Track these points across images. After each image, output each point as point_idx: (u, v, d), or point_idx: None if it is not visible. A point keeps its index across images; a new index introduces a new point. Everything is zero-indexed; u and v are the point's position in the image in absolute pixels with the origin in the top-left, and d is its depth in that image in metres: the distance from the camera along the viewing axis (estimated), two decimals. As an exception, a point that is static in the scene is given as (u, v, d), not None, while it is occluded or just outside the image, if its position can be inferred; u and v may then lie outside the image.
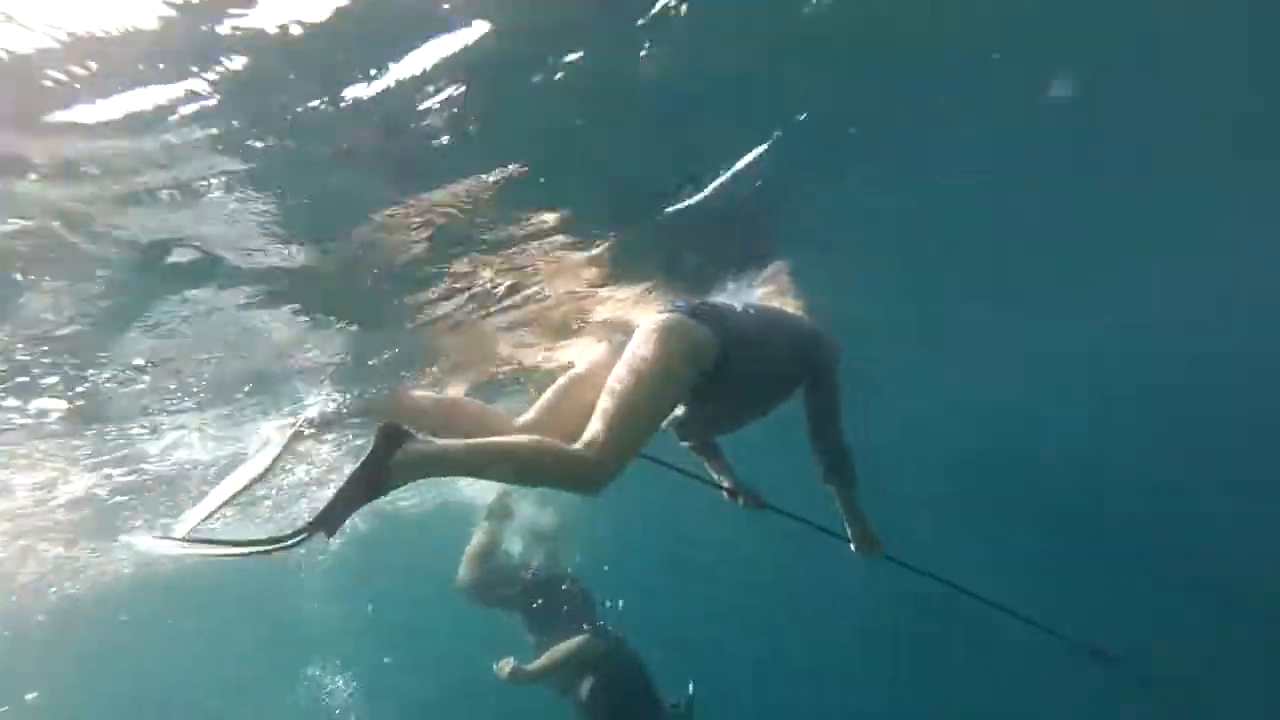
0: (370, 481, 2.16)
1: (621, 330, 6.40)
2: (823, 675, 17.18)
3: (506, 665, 6.11)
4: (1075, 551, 18.11)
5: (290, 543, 2.09)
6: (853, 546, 3.74)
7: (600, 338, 6.63)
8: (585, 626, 6.54)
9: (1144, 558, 16.40)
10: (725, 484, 4.02)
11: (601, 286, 5.64)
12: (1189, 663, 12.28)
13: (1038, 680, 12.78)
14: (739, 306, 3.34)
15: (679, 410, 3.25)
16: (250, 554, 2.10)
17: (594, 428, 2.63)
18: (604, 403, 2.70)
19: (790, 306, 6.35)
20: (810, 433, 3.45)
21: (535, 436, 2.57)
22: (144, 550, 9.90)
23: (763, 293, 6.68)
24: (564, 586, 7.18)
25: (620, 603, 7.85)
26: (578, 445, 2.58)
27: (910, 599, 11.47)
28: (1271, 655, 11.71)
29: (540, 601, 6.99)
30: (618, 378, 2.79)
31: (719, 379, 2.97)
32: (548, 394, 3.25)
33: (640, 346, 2.89)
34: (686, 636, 15.29)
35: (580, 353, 6.72)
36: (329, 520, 2.13)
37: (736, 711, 14.24)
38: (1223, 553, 14.89)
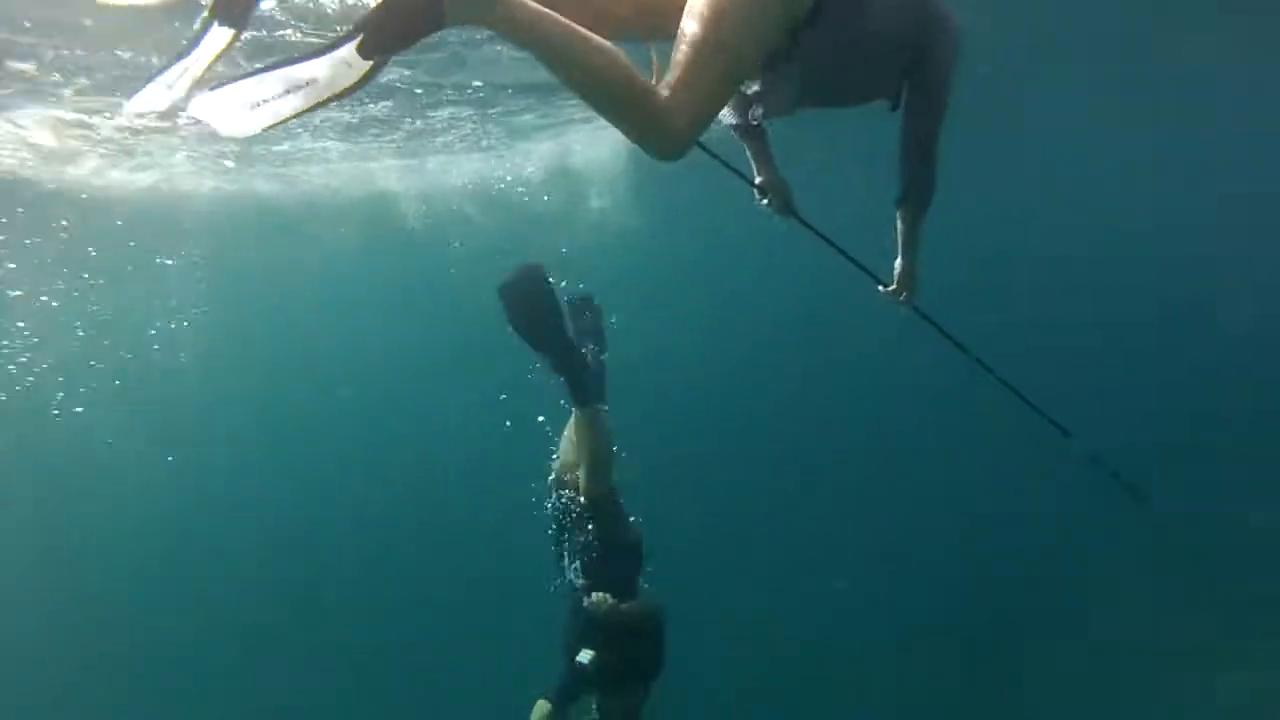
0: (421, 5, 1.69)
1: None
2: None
3: None
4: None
5: (335, 53, 1.58)
6: (886, 288, 3.29)
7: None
8: None
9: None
10: (759, 178, 3.38)
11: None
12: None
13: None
14: None
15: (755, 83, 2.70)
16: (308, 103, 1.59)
17: (674, 70, 2.15)
18: (685, 38, 2.19)
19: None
20: (902, 144, 2.88)
21: (618, 49, 2.03)
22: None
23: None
24: None
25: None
26: (657, 86, 2.11)
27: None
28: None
29: None
30: (694, 13, 2.24)
31: (807, 38, 2.42)
32: None
33: None
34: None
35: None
36: (380, 34, 1.62)
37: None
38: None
